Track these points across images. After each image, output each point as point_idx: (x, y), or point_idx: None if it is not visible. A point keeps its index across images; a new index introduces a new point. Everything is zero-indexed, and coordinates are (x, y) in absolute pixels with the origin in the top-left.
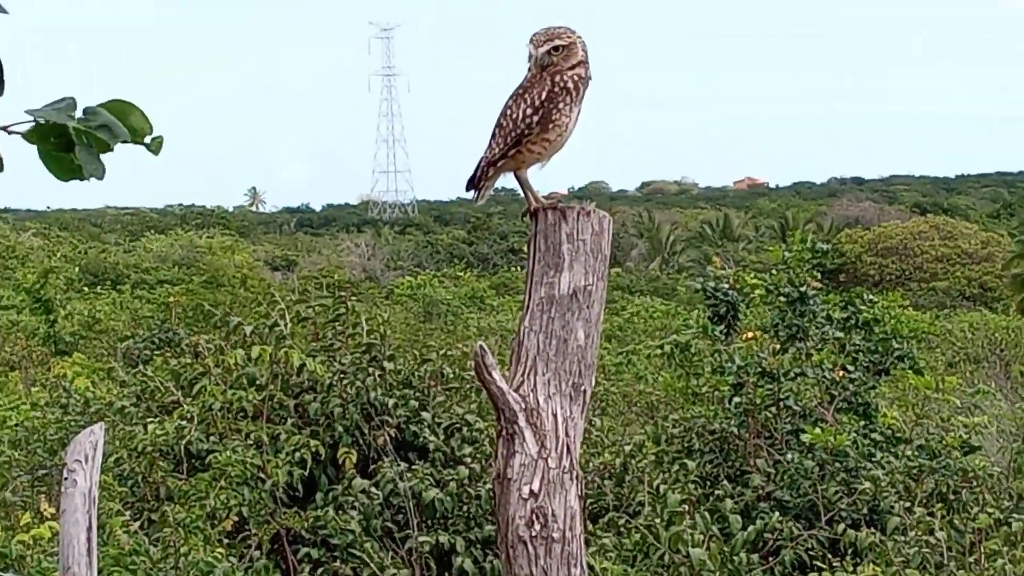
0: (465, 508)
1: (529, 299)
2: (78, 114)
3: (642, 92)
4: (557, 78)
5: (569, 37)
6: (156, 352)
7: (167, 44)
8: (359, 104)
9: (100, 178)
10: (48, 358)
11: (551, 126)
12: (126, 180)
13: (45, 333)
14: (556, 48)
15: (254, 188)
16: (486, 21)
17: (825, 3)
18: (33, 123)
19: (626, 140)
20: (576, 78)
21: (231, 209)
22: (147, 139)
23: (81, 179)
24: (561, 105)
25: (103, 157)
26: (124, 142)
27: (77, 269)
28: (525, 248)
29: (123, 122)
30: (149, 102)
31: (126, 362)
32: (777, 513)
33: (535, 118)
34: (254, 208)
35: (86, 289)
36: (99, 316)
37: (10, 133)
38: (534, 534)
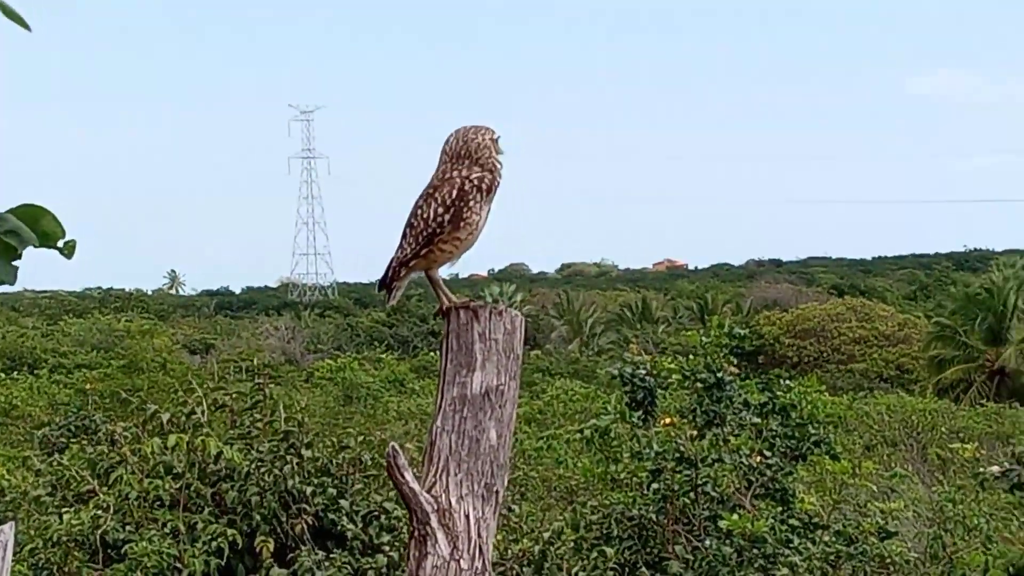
0: None
1: (441, 399)
2: None
3: (561, 175)
4: (468, 175)
5: (491, 136)
6: (72, 439)
7: (83, 123)
8: (279, 186)
9: (11, 283)
10: None
11: (462, 224)
12: (44, 264)
13: None
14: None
15: (173, 271)
16: (405, 104)
17: (738, 91)
18: None
19: (545, 222)
20: (486, 178)
21: (150, 292)
22: (60, 243)
23: None
24: (472, 203)
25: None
26: (35, 246)
27: None
28: (438, 349)
29: (33, 227)
30: (65, 185)
31: (42, 449)
32: None
33: (446, 217)
34: (173, 291)
35: (2, 375)
36: (16, 402)
37: None
38: None
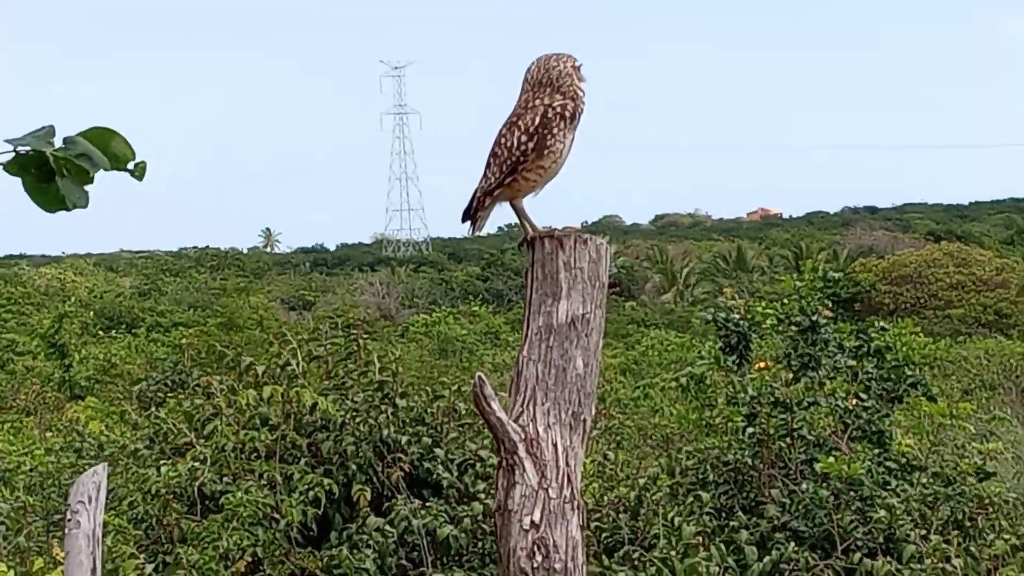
0: (479, 545)
1: (527, 328)
2: (58, 143)
3: (655, 124)
4: (551, 103)
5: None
6: (169, 394)
7: (178, 80)
8: (372, 143)
9: (83, 206)
10: (63, 403)
11: (546, 152)
12: (140, 223)
13: (60, 378)
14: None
15: (268, 229)
16: (496, 56)
17: (831, 39)
18: (13, 153)
19: (639, 173)
20: (569, 106)
21: (245, 251)
22: (130, 165)
23: (66, 210)
24: (555, 131)
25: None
26: (106, 170)
27: (92, 313)
28: (523, 277)
29: (104, 149)
30: (160, 143)
31: (140, 405)
32: (793, 543)
33: (530, 145)
34: (268, 249)
35: (101, 333)
36: (114, 360)
37: None
38: (536, 565)
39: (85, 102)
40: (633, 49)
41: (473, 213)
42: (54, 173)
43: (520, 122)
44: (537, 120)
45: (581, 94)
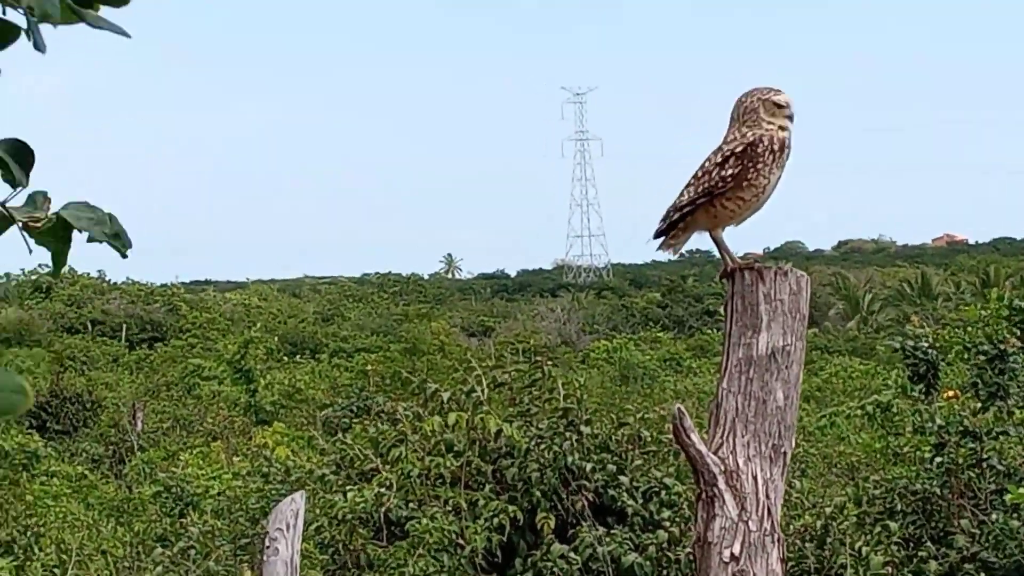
0: (664, 573)
1: (727, 360)
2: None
3: (836, 148)
4: (763, 136)
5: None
6: (355, 420)
7: (365, 109)
8: (552, 169)
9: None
10: (249, 427)
11: (746, 184)
12: (324, 250)
13: (246, 403)
14: (791, 108)
15: (450, 255)
16: (678, 83)
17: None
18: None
19: (822, 198)
20: (782, 140)
21: (427, 276)
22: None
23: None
24: (760, 165)
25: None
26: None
27: (276, 339)
28: (722, 309)
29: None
30: (343, 170)
31: (325, 430)
32: (983, 574)
33: (730, 173)
34: (450, 275)
35: (285, 359)
36: (298, 385)
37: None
38: None
39: (253, 123)
40: (808, 67)
41: (666, 232)
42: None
43: (727, 148)
44: (740, 150)
45: (772, 128)
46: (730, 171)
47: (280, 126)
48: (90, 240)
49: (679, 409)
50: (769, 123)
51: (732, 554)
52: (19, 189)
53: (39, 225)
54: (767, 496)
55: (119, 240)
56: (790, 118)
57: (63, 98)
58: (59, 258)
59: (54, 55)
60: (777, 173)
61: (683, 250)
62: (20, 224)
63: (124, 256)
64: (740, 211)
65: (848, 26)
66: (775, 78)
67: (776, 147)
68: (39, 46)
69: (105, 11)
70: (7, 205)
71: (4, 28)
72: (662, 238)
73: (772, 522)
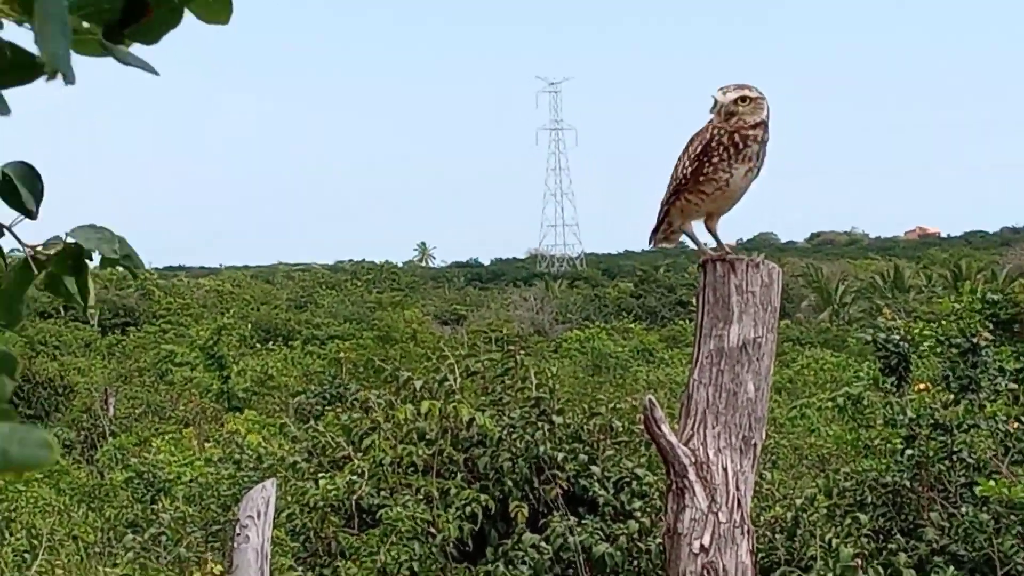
0: (635, 563)
1: (698, 351)
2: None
3: (810, 141)
4: (712, 133)
5: (756, 92)
6: (327, 407)
7: (334, 101)
8: (527, 158)
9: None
10: (221, 414)
11: (702, 179)
12: (298, 236)
13: (219, 389)
14: (743, 99)
15: (423, 243)
16: (653, 74)
17: (987, 55)
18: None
19: (795, 190)
20: (740, 136)
21: (401, 264)
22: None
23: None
24: (715, 159)
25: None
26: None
27: (249, 326)
28: (694, 300)
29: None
30: (319, 157)
31: (298, 417)
32: (952, 567)
33: (689, 170)
34: (423, 263)
35: (258, 345)
36: (271, 372)
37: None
38: None
39: (230, 112)
40: (787, 63)
41: (658, 228)
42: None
43: (689, 147)
44: (700, 148)
45: (742, 125)
46: (689, 168)
47: (256, 115)
48: (104, 264)
49: (650, 400)
50: (718, 121)
51: (702, 545)
52: (19, 219)
53: (49, 254)
54: (737, 488)
55: (131, 261)
56: (727, 116)
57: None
58: (84, 290)
59: None
60: (741, 167)
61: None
62: (30, 254)
63: (136, 278)
64: (704, 204)
65: (830, 23)
66: (751, 70)
67: (727, 141)
68: (69, 79)
69: (135, 47)
70: (12, 230)
71: (24, 63)
72: (656, 233)
73: (742, 514)
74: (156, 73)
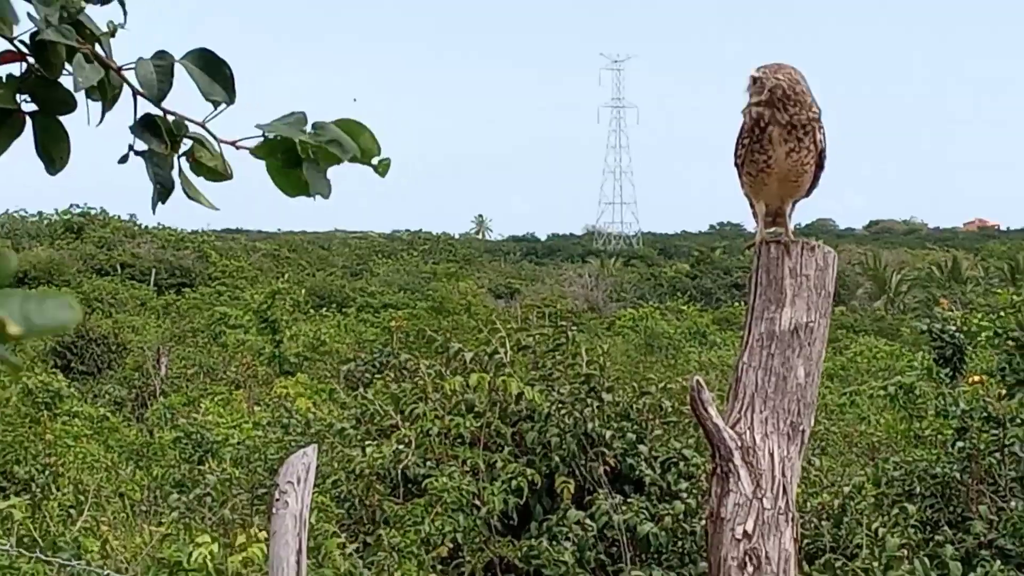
0: (679, 544)
1: (749, 334)
2: (307, 129)
3: (872, 129)
4: (752, 116)
5: (760, 72)
6: (377, 375)
7: (401, 71)
8: (587, 135)
9: (326, 196)
10: (272, 378)
11: (743, 162)
12: (356, 204)
13: (271, 353)
14: (753, 80)
15: (480, 216)
16: (716, 55)
17: None
18: (262, 138)
19: (855, 178)
20: (750, 118)
21: (457, 236)
22: (374, 160)
23: (307, 195)
24: (747, 141)
25: (331, 173)
26: (353, 160)
27: (304, 291)
28: (747, 282)
29: (352, 141)
30: (380, 127)
31: (347, 384)
32: (999, 561)
33: (736, 151)
34: (480, 236)
35: (312, 311)
36: (323, 338)
37: (238, 148)
38: None
39: (299, 89)
40: (849, 51)
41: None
42: (300, 160)
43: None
44: (740, 130)
45: (762, 107)
46: (737, 149)
47: (323, 82)
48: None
49: (697, 381)
50: (763, 97)
51: (745, 531)
52: (221, 107)
53: (248, 147)
54: (783, 474)
55: (338, 146)
56: (753, 94)
57: None
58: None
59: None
60: (779, 149)
61: (714, 222)
62: (230, 146)
63: (379, 172)
64: (754, 182)
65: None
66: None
67: (753, 123)
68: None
69: None
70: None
71: (58, 98)
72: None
73: (787, 501)
74: None
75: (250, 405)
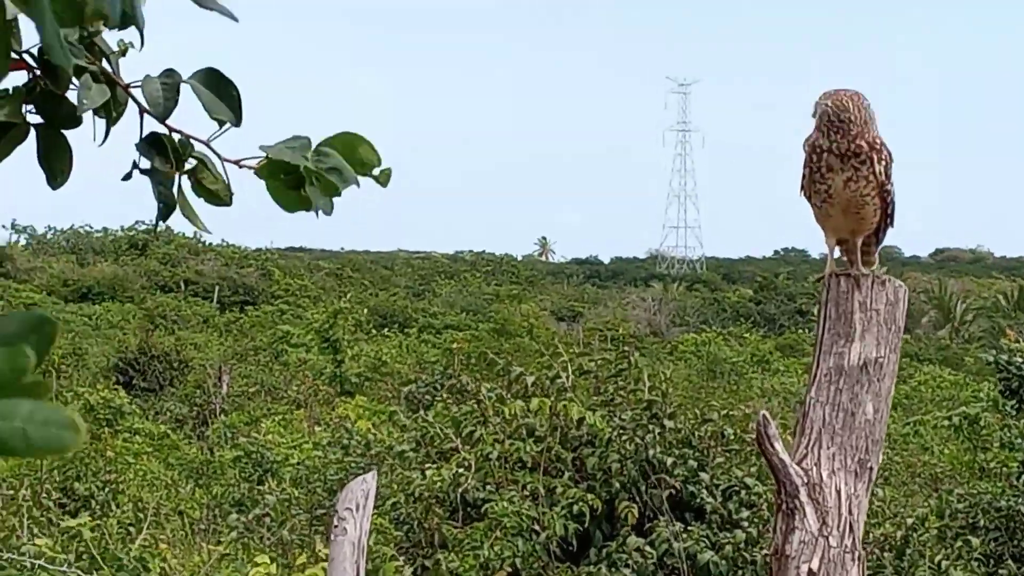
0: (740, 573)
1: (817, 368)
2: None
3: (940, 158)
4: (809, 143)
5: (841, 102)
6: (437, 398)
7: (465, 90)
8: (651, 158)
9: (328, 214)
10: (333, 398)
11: (808, 193)
12: (419, 224)
13: (332, 373)
14: (814, 112)
15: (544, 238)
16: (784, 80)
17: None
18: (265, 159)
19: (921, 205)
20: (812, 145)
21: (520, 258)
22: (375, 171)
23: (308, 210)
24: (806, 171)
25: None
26: (356, 186)
27: (366, 311)
28: (814, 312)
29: (351, 155)
30: (445, 148)
31: (408, 406)
32: None
33: (801, 181)
34: (543, 258)
35: (374, 331)
36: (385, 359)
37: (241, 167)
38: None
39: (365, 97)
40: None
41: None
42: (303, 181)
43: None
44: (804, 159)
45: (817, 135)
46: (801, 180)
47: (386, 99)
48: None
49: (764, 416)
50: (825, 126)
51: (810, 569)
52: (226, 126)
53: (251, 166)
54: (850, 512)
55: (338, 175)
56: (818, 118)
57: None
58: (334, 186)
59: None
60: (837, 178)
61: (778, 248)
62: (233, 165)
63: (381, 183)
64: (820, 213)
65: (969, 31)
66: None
67: (811, 150)
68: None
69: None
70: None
71: (63, 113)
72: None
73: (854, 539)
74: (235, 19)
75: (310, 425)
